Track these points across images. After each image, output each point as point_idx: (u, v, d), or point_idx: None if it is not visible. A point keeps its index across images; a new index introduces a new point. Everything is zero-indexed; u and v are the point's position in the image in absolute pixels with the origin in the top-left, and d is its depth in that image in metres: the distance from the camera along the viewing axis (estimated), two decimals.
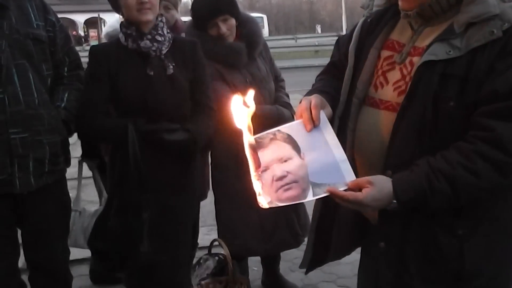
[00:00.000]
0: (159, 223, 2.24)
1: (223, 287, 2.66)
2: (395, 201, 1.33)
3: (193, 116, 2.35)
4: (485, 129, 1.29)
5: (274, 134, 1.43)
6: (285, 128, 1.45)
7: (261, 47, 2.80)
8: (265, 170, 1.38)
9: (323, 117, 1.45)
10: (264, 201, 1.34)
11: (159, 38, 2.25)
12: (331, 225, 1.64)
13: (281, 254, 3.17)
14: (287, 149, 1.41)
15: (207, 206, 4.07)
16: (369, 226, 1.58)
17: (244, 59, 2.67)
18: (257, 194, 1.35)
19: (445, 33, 1.36)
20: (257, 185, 1.35)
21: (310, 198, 1.37)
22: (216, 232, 2.91)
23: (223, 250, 2.68)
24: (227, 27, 2.63)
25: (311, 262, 1.73)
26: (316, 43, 18.26)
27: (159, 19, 2.29)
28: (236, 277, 2.68)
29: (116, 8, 2.29)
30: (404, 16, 1.46)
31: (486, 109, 1.30)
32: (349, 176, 1.38)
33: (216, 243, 2.75)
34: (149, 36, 2.23)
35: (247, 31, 2.71)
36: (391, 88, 1.46)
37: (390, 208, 1.35)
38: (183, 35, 2.80)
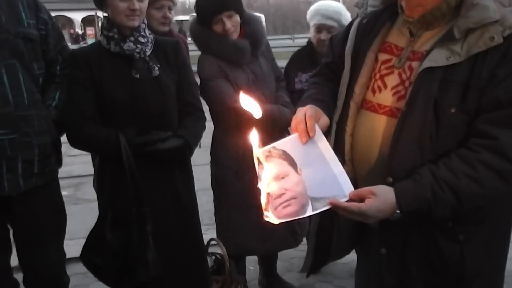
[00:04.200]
0: (161, 234, 2.23)
1: (220, 287, 2.66)
2: (398, 211, 1.32)
3: (182, 118, 2.34)
4: (488, 137, 1.28)
5: (270, 152, 1.39)
6: (280, 144, 1.42)
7: (264, 46, 2.80)
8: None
9: (318, 129, 1.42)
10: (272, 218, 1.32)
11: (142, 40, 2.23)
12: (331, 228, 1.62)
13: (278, 253, 3.17)
14: (284, 166, 1.38)
15: (204, 206, 4.06)
16: (367, 228, 1.57)
17: (248, 57, 2.67)
18: (264, 210, 1.32)
19: (445, 38, 1.35)
20: (264, 202, 1.32)
21: (309, 213, 1.35)
22: (214, 231, 2.90)
23: (220, 250, 2.68)
24: (232, 23, 2.61)
25: (312, 266, 1.72)
26: None
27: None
28: (233, 277, 2.68)
29: (100, 6, 2.25)
30: (405, 22, 1.46)
31: (489, 116, 1.29)
32: (348, 188, 1.36)
33: (213, 242, 2.75)
34: (132, 38, 2.21)
35: (251, 29, 2.71)
36: (389, 93, 1.45)
37: (393, 218, 1.34)
38: (187, 32, 2.82)
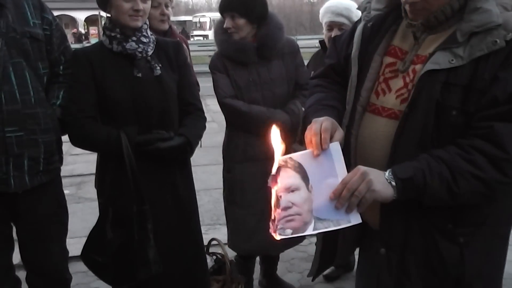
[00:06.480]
0: (160, 233, 2.23)
1: (220, 286, 2.67)
2: (394, 183, 1.30)
3: (183, 118, 2.36)
4: (482, 128, 1.30)
5: (285, 162, 1.36)
6: (297, 156, 1.38)
7: (282, 50, 2.79)
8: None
9: (337, 147, 1.38)
10: (275, 233, 1.32)
11: (144, 40, 2.25)
12: (336, 232, 1.63)
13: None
14: (296, 179, 1.35)
15: (205, 206, 4.08)
16: (369, 229, 1.58)
17: (250, 58, 2.70)
18: (271, 220, 1.32)
19: (448, 41, 1.36)
20: (272, 211, 1.32)
21: (310, 232, 1.34)
22: (214, 231, 2.93)
23: (221, 250, 2.70)
24: (233, 24, 2.68)
25: (319, 269, 1.74)
26: (317, 45, 18.33)
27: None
28: (233, 277, 2.69)
29: (103, 6, 2.26)
30: (409, 25, 1.46)
31: (486, 113, 1.30)
32: (355, 216, 1.34)
33: (214, 242, 2.76)
34: (134, 38, 2.23)
35: (263, 33, 2.73)
36: (393, 96, 1.46)
37: (391, 194, 1.31)
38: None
